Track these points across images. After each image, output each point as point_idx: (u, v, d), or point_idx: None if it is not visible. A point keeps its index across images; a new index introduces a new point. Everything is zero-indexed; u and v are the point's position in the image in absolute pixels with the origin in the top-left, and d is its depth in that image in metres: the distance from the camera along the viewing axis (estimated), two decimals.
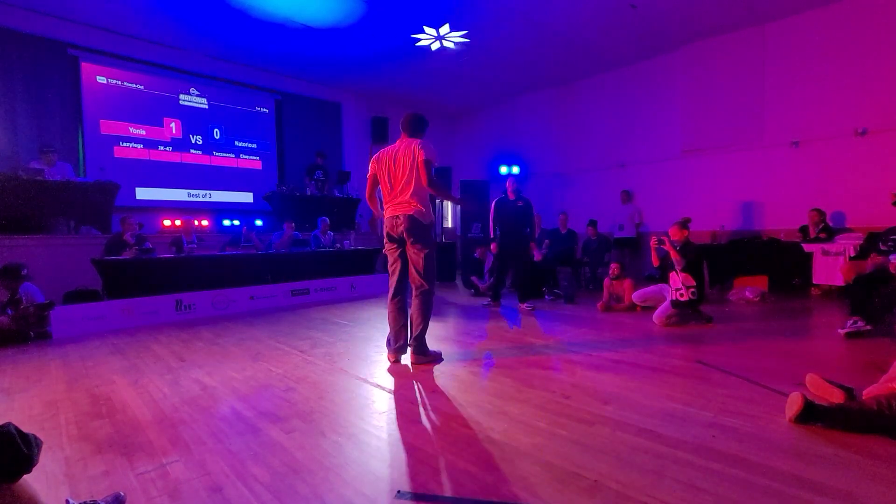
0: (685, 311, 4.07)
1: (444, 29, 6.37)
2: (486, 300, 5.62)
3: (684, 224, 4.36)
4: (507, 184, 5.30)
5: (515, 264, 5.42)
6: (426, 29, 6.39)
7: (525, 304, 5.18)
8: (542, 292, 5.94)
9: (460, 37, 6.60)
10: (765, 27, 6.51)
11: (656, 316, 4.12)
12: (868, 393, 2.00)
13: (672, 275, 4.18)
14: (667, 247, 4.18)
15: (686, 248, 4.17)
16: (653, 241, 4.43)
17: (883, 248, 3.93)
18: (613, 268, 5.21)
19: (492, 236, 5.32)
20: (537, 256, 6.06)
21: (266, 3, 5.80)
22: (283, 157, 8.58)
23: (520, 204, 5.23)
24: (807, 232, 5.83)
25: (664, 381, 2.54)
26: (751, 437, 1.81)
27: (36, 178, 5.37)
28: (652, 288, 4.69)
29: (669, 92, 7.56)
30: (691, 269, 4.05)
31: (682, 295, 4.00)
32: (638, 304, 4.76)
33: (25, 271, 4.25)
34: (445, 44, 6.78)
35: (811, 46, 6.17)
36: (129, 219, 5.36)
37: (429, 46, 6.87)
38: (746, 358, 2.93)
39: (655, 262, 4.55)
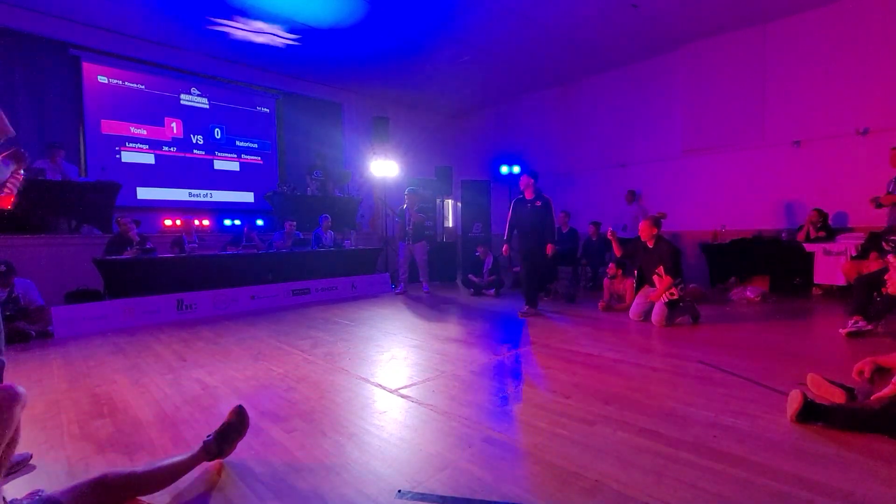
0: (679, 307, 4.13)
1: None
2: (492, 298, 5.60)
3: (656, 221, 4.34)
4: (521, 182, 4.90)
5: (526, 266, 4.93)
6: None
7: (523, 310, 4.78)
8: (548, 290, 5.96)
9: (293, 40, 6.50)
10: (766, 27, 6.50)
11: (654, 317, 4.13)
12: (877, 397, 1.96)
13: (655, 278, 4.27)
14: (609, 236, 4.50)
15: (658, 246, 4.24)
16: (609, 233, 4.60)
17: (886, 247, 3.92)
18: (611, 267, 5.20)
19: (506, 238, 4.95)
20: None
21: (266, 3, 5.81)
22: (284, 156, 8.58)
23: (538, 204, 4.81)
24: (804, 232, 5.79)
25: (665, 380, 2.54)
26: (752, 437, 1.81)
27: (37, 178, 5.37)
28: (640, 300, 4.43)
29: (670, 91, 7.55)
30: (670, 269, 4.10)
31: (672, 295, 4.09)
32: (637, 320, 4.41)
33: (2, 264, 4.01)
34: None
35: (812, 46, 6.15)
36: (123, 218, 5.33)
37: None
38: (747, 358, 2.92)
39: (618, 253, 4.63)
